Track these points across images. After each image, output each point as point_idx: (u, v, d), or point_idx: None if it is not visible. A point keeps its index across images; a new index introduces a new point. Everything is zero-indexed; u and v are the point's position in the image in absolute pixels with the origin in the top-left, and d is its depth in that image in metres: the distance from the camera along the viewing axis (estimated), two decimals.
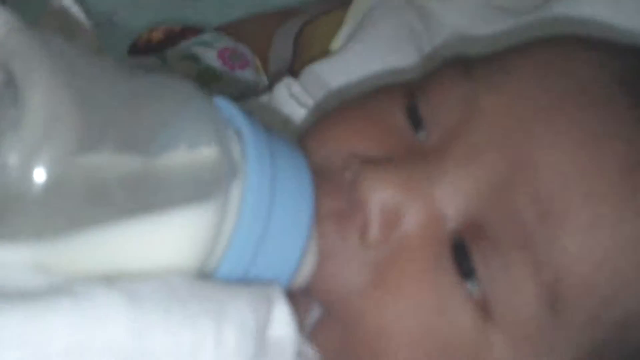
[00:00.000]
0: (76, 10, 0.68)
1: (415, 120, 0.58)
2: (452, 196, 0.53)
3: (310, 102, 0.77)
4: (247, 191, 0.48)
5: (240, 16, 0.99)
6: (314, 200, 0.51)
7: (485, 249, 0.53)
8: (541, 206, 0.52)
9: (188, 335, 0.43)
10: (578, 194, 0.52)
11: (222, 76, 0.85)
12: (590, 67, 0.57)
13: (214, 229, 0.46)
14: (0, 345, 0.39)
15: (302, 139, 0.60)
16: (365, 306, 0.53)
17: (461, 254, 0.53)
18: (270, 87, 0.81)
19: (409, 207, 0.53)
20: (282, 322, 0.47)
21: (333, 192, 0.54)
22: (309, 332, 0.54)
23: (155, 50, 0.87)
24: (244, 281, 0.48)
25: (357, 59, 0.79)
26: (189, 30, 0.90)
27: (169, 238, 0.45)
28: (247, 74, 0.86)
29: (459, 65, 0.59)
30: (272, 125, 0.54)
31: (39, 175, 0.40)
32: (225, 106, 0.51)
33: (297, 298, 0.52)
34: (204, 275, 0.47)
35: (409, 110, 0.58)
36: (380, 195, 0.53)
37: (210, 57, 0.86)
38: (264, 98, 0.79)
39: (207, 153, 0.46)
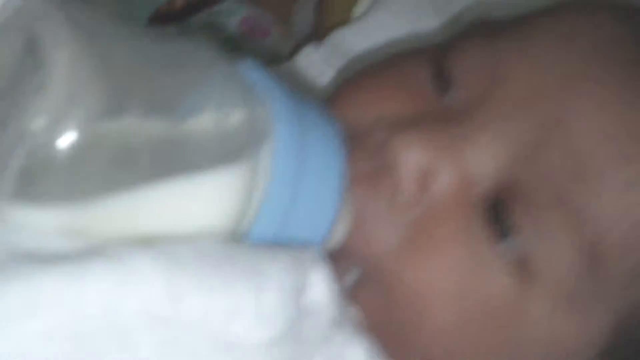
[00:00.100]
0: None
1: (443, 83, 0.57)
2: (483, 156, 0.53)
3: (334, 68, 0.76)
4: (277, 152, 0.47)
5: None
6: (344, 159, 0.51)
7: (522, 209, 0.52)
8: (575, 165, 0.52)
9: (224, 298, 0.42)
10: (612, 153, 0.52)
11: (243, 45, 0.84)
12: (616, 27, 0.57)
13: (246, 190, 0.46)
14: (35, 308, 0.39)
15: (328, 102, 0.59)
16: (400, 267, 0.53)
17: (495, 215, 0.53)
18: (293, 53, 0.80)
19: (440, 168, 0.53)
20: (320, 284, 0.47)
21: (363, 154, 0.54)
22: (349, 292, 0.53)
23: (177, 19, 0.86)
24: (279, 243, 0.48)
25: (380, 24, 0.79)
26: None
27: (200, 200, 0.45)
28: (268, 42, 0.85)
29: (485, 28, 0.58)
30: (298, 90, 0.53)
31: (67, 139, 0.40)
32: (253, 69, 0.51)
33: (336, 259, 0.51)
34: (237, 238, 0.47)
35: (436, 73, 0.58)
36: (412, 156, 0.52)
37: (232, 26, 0.85)
38: (287, 65, 0.78)
39: (235, 116, 0.46)
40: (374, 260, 0.53)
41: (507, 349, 0.54)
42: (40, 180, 0.41)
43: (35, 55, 0.41)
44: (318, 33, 0.84)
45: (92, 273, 0.40)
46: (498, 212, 0.53)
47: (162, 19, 0.87)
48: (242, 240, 0.47)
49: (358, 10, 0.83)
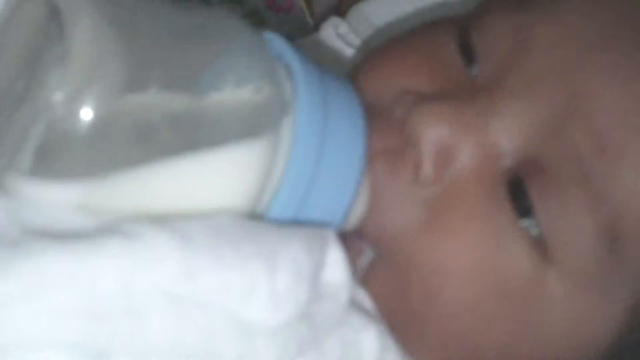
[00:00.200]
0: None
1: (468, 55, 0.56)
2: (507, 132, 0.52)
3: (357, 41, 0.75)
4: (299, 128, 0.47)
5: None
6: (366, 136, 0.50)
7: (543, 186, 0.51)
8: (599, 140, 0.50)
9: (240, 277, 0.42)
10: (635, 128, 0.51)
11: (267, 19, 0.84)
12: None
13: (265, 166, 0.45)
14: (49, 286, 0.38)
15: (351, 76, 0.58)
16: (418, 246, 0.52)
17: (517, 192, 0.52)
18: (316, 27, 0.80)
19: (462, 143, 0.52)
20: (335, 266, 0.46)
21: (385, 130, 0.53)
22: (362, 275, 0.53)
23: None
24: (297, 222, 0.47)
25: None
26: None
27: (219, 176, 0.44)
28: (292, 15, 0.85)
29: None
30: (322, 63, 0.53)
31: (86, 113, 0.40)
32: (275, 42, 0.50)
33: (350, 241, 0.51)
34: (255, 215, 0.46)
35: (461, 44, 0.57)
36: (434, 131, 0.51)
37: None
38: (311, 39, 0.77)
39: (256, 90, 0.45)
40: (389, 241, 0.52)
41: (523, 331, 0.53)
42: (58, 155, 0.40)
43: (57, 27, 0.41)
44: (342, 6, 0.83)
45: (106, 251, 0.39)
46: (519, 188, 0.52)
47: None
48: (259, 217, 0.46)
49: None
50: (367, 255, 0.53)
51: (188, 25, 0.46)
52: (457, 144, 0.52)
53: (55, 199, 0.41)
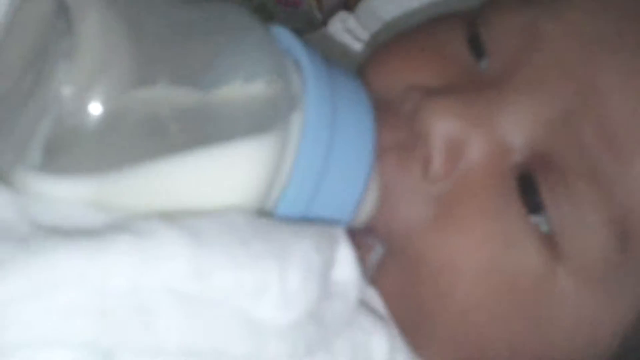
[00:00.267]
0: None
1: (477, 49, 0.56)
2: (516, 126, 0.52)
3: (366, 36, 0.75)
4: (308, 123, 0.46)
5: None
6: (375, 131, 0.50)
7: (553, 181, 0.51)
8: (608, 135, 0.50)
9: (251, 275, 0.42)
10: None
11: (275, 13, 0.83)
12: None
13: (274, 162, 0.45)
14: (60, 283, 0.38)
15: (360, 71, 0.58)
16: (428, 242, 0.51)
17: (527, 187, 0.51)
18: (324, 22, 0.79)
19: (472, 138, 0.51)
20: (345, 264, 0.46)
21: (393, 124, 0.52)
22: (371, 272, 0.52)
23: None
24: (306, 219, 0.47)
25: None
26: None
27: (228, 171, 0.44)
28: (301, 10, 0.84)
29: None
30: (330, 58, 0.52)
31: (95, 107, 0.40)
32: (284, 36, 0.50)
33: (359, 237, 0.50)
34: (265, 212, 0.46)
35: (470, 39, 0.56)
36: (443, 126, 0.51)
37: None
38: (319, 33, 0.77)
39: (265, 85, 0.45)
40: (399, 237, 0.52)
41: (532, 328, 0.53)
42: (67, 150, 0.40)
43: (65, 21, 0.41)
44: (350, 1, 0.83)
45: (116, 248, 0.39)
46: (529, 184, 0.51)
47: None
48: (269, 214, 0.46)
49: None
50: (376, 252, 0.53)
51: (196, 19, 0.46)
52: (467, 138, 0.51)
53: (64, 194, 0.41)
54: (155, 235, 0.40)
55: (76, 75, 0.39)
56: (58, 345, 0.39)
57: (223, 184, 0.44)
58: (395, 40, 0.60)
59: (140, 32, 0.42)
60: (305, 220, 0.47)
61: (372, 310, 0.50)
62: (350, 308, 0.46)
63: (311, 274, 0.43)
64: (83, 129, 0.39)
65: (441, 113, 0.51)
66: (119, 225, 0.41)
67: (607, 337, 0.53)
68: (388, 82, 0.55)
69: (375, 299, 0.52)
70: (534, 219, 0.51)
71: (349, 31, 0.75)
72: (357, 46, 0.74)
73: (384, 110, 0.52)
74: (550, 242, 0.51)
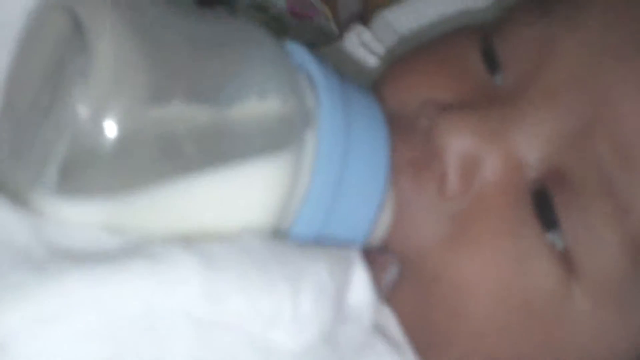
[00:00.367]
0: None
1: (492, 63, 0.56)
2: (531, 142, 0.51)
3: (381, 49, 0.75)
4: (322, 142, 0.46)
5: None
6: (389, 150, 0.50)
7: (568, 198, 0.50)
8: (623, 151, 0.50)
9: (264, 300, 0.42)
10: None
11: (290, 26, 0.83)
12: None
13: (289, 181, 0.45)
14: (72, 309, 0.38)
15: (375, 86, 0.58)
16: (443, 260, 0.51)
17: (543, 204, 0.51)
18: (340, 35, 0.79)
19: (487, 154, 0.51)
20: (360, 287, 0.46)
21: (408, 141, 0.52)
22: (386, 291, 0.52)
23: (224, 0, 0.85)
24: (321, 238, 0.47)
25: (429, 3, 0.77)
26: None
27: (242, 192, 0.44)
28: (315, 23, 0.84)
29: (533, 4, 0.56)
30: (345, 73, 0.52)
31: (111, 127, 0.39)
32: (297, 52, 0.50)
33: (375, 256, 0.50)
34: (279, 233, 0.46)
35: (485, 53, 0.56)
36: (458, 142, 0.51)
37: (279, 6, 0.84)
38: (334, 47, 0.77)
39: (279, 102, 0.45)
40: (414, 256, 0.52)
41: (547, 347, 0.52)
42: (82, 172, 0.40)
43: (80, 38, 0.41)
44: (366, 13, 0.83)
45: (130, 273, 0.39)
46: (544, 200, 0.51)
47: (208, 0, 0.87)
48: (283, 235, 0.46)
49: None
50: (391, 271, 0.52)
51: (210, 35, 0.46)
52: (482, 154, 0.51)
53: (80, 216, 0.41)
54: (169, 259, 0.40)
55: (92, 94, 0.39)
56: None
57: (238, 204, 0.44)
58: (409, 55, 0.60)
59: (156, 49, 0.42)
60: (321, 239, 0.47)
61: (386, 334, 0.50)
62: (364, 332, 0.46)
63: (325, 298, 0.43)
64: (98, 149, 0.39)
65: (456, 129, 0.51)
66: (133, 249, 0.41)
67: (622, 354, 0.53)
68: (403, 97, 0.55)
69: (389, 319, 0.51)
70: (549, 236, 0.51)
71: (364, 45, 0.75)
72: (372, 60, 0.74)
73: (399, 126, 0.52)
74: (565, 259, 0.50)
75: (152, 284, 0.39)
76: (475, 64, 0.56)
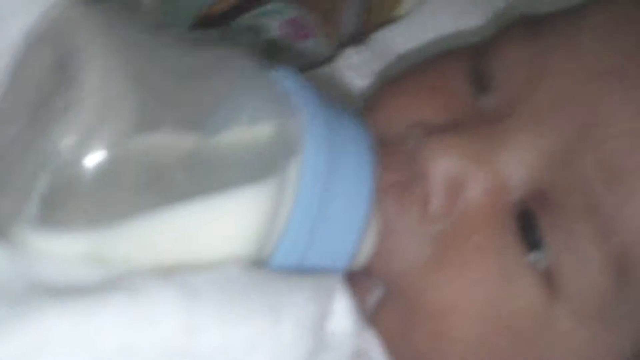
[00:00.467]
0: None
1: (480, 85, 0.56)
2: (516, 163, 0.52)
3: (375, 70, 0.75)
4: (305, 171, 0.46)
5: None
6: (373, 176, 0.50)
7: (551, 219, 0.51)
8: (608, 171, 0.50)
9: (243, 332, 0.42)
10: None
11: (284, 48, 0.84)
12: None
13: (271, 210, 0.45)
14: (52, 344, 0.38)
15: (364, 108, 0.58)
16: (427, 282, 0.51)
17: (526, 224, 0.51)
18: (331, 57, 0.80)
19: (472, 175, 0.51)
20: (341, 315, 0.46)
21: (394, 164, 0.52)
22: (370, 314, 0.52)
23: (219, 23, 0.86)
24: (303, 266, 0.47)
25: (426, 23, 0.77)
26: (254, 1, 0.89)
27: (225, 221, 0.44)
28: (310, 44, 0.84)
29: (524, 26, 0.57)
30: (334, 96, 0.52)
31: (92, 161, 0.40)
32: (285, 77, 0.50)
33: (358, 279, 0.50)
34: (261, 260, 0.46)
35: (473, 74, 0.56)
36: (442, 164, 0.51)
37: (275, 28, 0.85)
38: (328, 68, 0.77)
39: (265, 130, 0.45)
40: (398, 277, 0.52)
41: None
42: (64, 204, 0.41)
43: (66, 72, 0.41)
44: (363, 33, 0.83)
45: (110, 307, 0.40)
46: (528, 221, 0.51)
47: (204, 23, 0.87)
48: (265, 263, 0.46)
49: (404, 7, 0.82)
50: (375, 293, 0.53)
51: (198, 63, 0.46)
52: (466, 175, 0.51)
53: (61, 249, 0.42)
54: (149, 293, 0.40)
55: (74, 127, 0.40)
56: None
57: (220, 233, 0.44)
58: (398, 77, 0.61)
59: (143, 78, 0.43)
60: (303, 267, 0.47)
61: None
62: (345, 359, 0.46)
63: (305, 327, 0.43)
64: (80, 182, 0.40)
65: (440, 151, 0.51)
66: (114, 282, 0.41)
67: None
68: (391, 119, 0.56)
69: (373, 344, 0.52)
70: (533, 256, 0.51)
71: (359, 65, 0.75)
72: (364, 81, 0.74)
73: (386, 149, 0.52)
74: (548, 279, 0.51)
75: (132, 318, 0.40)
76: (463, 85, 0.56)
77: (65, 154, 0.40)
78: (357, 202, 0.49)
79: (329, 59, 0.80)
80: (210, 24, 0.86)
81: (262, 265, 0.46)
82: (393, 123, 0.55)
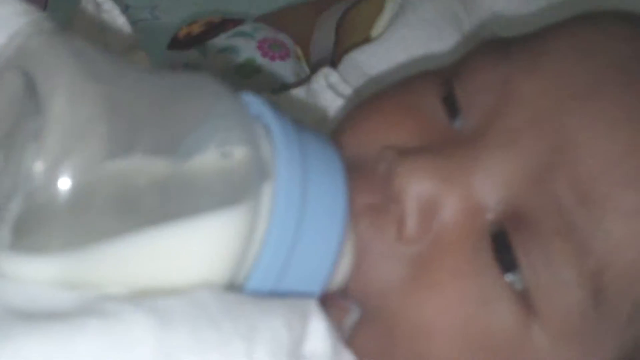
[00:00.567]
0: (110, 6, 0.68)
1: (452, 107, 0.56)
2: (490, 185, 0.52)
3: (348, 91, 0.75)
4: (278, 195, 0.46)
5: (282, 6, 0.99)
6: (347, 199, 0.50)
7: (526, 239, 0.51)
8: (582, 190, 0.50)
9: (218, 357, 0.42)
10: (620, 177, 0.50)
11: (261, 67, 0.84)
12: (629, 43, 0.55)
13: (245, 235, 0.45)
14: None
15: (336, 132, 0.58)
16: (403, 303, 0.51)
17: (501, 245, 0.51)
18: (308, 77, 0.80)
19: (446, 198, 0.52)
20: (317, 338, 0.46)
21: (368, 186, 0.53)
22: (347, 335, 0.52)
23: (196, 43, 0.86)
24: (279, 289, 0.47)
25: (398, 45, 0.78)
26: (229, 22, 0.90)
27: (198, 247, 0.44)
28: (287, 64, 0.85)
29: (495, 47, 0.57)
30: (307, 119, 0.53)
31: (64, 185, 0.40)
32: (255, 102, 0.50)
33: (335, 301, 0.51)
34: (235, 285, 0.46)
35: (445, 97, 0.57)
36: (416, 186, 0.51)
37: (250, 48, 0.85)
38: (303, 89, 0.78)
39: (236, 155, 0.45)
40: (374, 299, 0.52)
41: None
42: (36, 229, 0.41)
43: (34, 98, 0.41)
44: (338, 54, 0.84)
45: (84, 333, 0.39)
46: (503, 242, 0.51)
47: (181, 44, 0.88)
48: (240, 287, 0.46)
49: (376, 30, 0.83)
50: (352, 314, 0.53)
51: (169, 90, 0.46)
52: (440, 198, 0.52)
53: (34, 274, 0.41)
54: (122, 318, 0.40)
55: (45, 154, 0.40)
56: None
57: (194, 258, 0.44)
58: (370, 100, 0.61)
59: (113, 103, 0.43)
60: (278, 292, 0.47)
61: None
62: None
63: (280, 352, 0.43)
64: (52, 206, 0.40)
65: (414, 174, 0.51)
66: (87, 308, 0.41)
67: None
68: (363, 142, 0.56)
69: None
70: (509, 277, 0.51)
71: (331, 86, 0.76)
72: (338, 102, 0.75)
73: (359, 172, 0.52)
74: (525, 300, 0.51)
75: (105, 344, 0.40)
76: (435, 108, 0.57)
77: (37, 179, 0.40)
78: (331, 226, 0.49)
79: (304, 80, 0.81)
80: (188, 45, 0.87)
81: (237, 290, 0.46)
82: (366, 145, 0.55)
